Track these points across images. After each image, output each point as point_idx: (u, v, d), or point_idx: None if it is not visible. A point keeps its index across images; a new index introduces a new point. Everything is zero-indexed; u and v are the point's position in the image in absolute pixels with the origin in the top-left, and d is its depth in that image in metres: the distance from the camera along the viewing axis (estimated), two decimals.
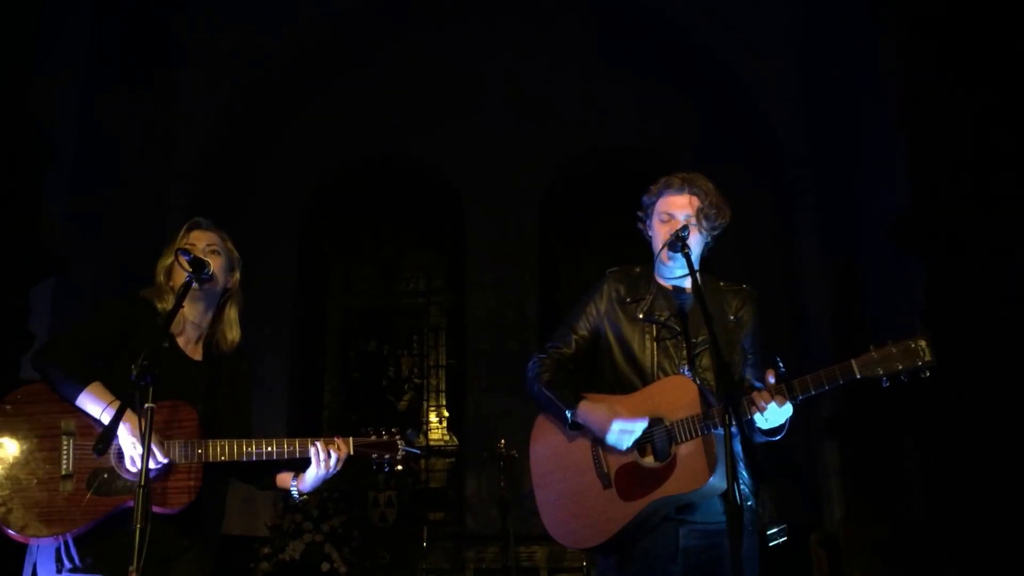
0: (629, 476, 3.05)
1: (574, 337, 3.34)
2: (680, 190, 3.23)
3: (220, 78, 9.22)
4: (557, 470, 3.20)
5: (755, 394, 2.92)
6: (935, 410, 5.76)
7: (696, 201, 3.20)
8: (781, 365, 3.04)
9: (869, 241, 7.49)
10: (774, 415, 2.92)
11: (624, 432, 3.02)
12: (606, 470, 3.08)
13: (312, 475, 3.11)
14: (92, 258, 7.40)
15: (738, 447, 3.04)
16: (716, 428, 2.92)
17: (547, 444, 3.25)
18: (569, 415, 3.12)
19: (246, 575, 8.15)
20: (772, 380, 2.95)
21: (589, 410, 3.11)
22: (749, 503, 3.05)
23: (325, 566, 8.02)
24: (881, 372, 2.84)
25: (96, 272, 7.27)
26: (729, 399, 2.77)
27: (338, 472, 3.10)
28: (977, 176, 5.68)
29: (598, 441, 3.11)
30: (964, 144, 5.78)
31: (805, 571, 6.87)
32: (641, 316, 3.22)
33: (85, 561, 2.85)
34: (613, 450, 3.08)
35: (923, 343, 2.84)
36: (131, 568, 2.52)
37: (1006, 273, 5.51)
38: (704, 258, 3.30)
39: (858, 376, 2.87)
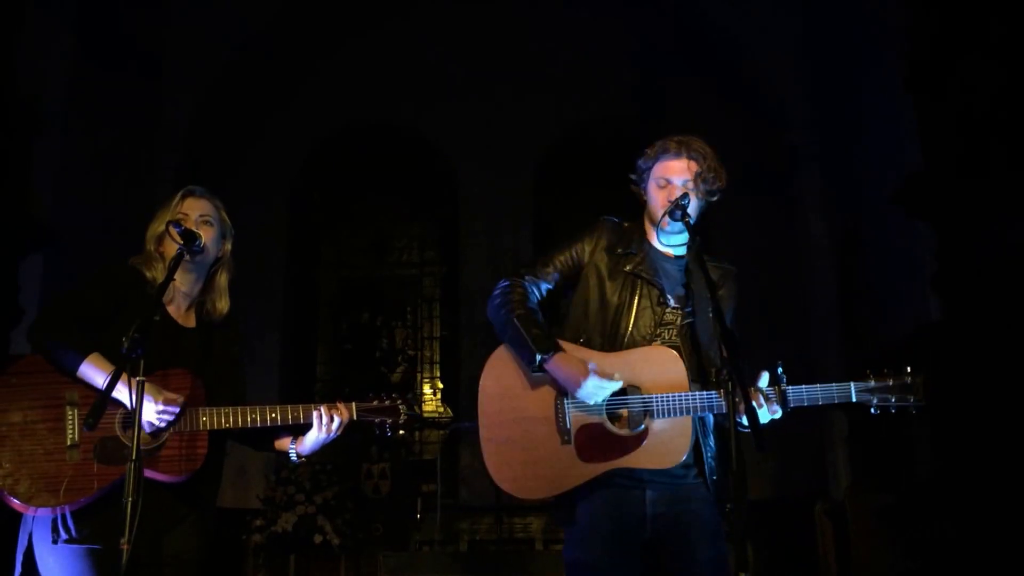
0: (593, 438, 2.99)
1: (553, 271, 3.24)
2: (678, 154, 3.17)
3: (210, 48, 9.10)
4: (510, 411, 3.09)
5: (754, 393, 2.89)
6: (942, 378, 5.68)
7: (694, 166, 3.15)
8: (781, 371, 2.97)
9: (875, 206, 7.38)
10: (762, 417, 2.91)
11: (599, 388, 2.94)
12: (568, 426, 3.01)
13: (312, 438, 3.12)
14: (82, 231, 7.34)
15: (709, 417, 3.04)
16: (699, 413, 2.94)
17: (503, 381, 3.13)
18: (539, 359, 3.00)
19: (238, 547, 8.12)
20: (764, 383, 2.93)
21: (563, 360, 3.00)
22: (714, 478, 3.04)
23: (318, 538, 8.03)
24: (875, 401, 2.95)
25: (86, 245, 7.20)
26: (733, 370, 2.70)
27: (336, 438, 3.11)
28: (988, 138, 5.57)
29: (563, 393, 3.03)
30: (974, 105, 5.67)
31: (810, 541, 6.87)
32: (628, 269, 3.16)
33: (82, 532, 2.82)
34: (578, 407, 3.00)
35: (919, 381, 2.93)
36: (122, 540, 2.51)
37: (1017, 237, 5.42)
38: (696, 224, 3.23)
39: (853, 399, 2.95)
